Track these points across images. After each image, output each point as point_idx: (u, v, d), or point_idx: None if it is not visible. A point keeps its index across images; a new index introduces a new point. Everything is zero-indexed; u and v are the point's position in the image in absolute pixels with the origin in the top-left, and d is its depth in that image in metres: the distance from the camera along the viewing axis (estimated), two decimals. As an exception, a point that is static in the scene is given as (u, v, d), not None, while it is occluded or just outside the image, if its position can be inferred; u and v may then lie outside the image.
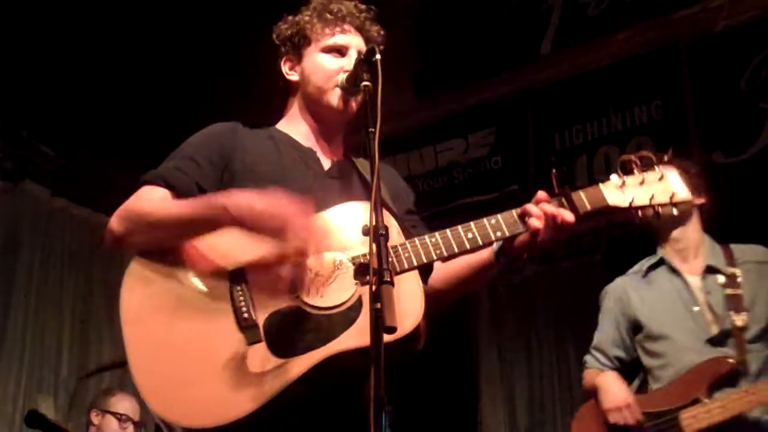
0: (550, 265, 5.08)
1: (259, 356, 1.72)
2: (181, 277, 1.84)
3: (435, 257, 1.84)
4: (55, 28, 4.77)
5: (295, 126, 2.17)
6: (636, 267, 3.23)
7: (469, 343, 5.55)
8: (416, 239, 1.85)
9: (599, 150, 4.92)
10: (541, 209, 1.84)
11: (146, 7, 4.80)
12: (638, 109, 4.84)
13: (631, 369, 3.15)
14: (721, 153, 4.44)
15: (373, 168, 1.65)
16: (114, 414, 4.12)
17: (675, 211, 1.97)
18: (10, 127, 5.16)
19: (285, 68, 2.19)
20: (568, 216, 1.84)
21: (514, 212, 1.88)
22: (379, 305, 1.47)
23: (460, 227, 1.86)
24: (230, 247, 1.83)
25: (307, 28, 2.14)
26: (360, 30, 2.15)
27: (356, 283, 1.79)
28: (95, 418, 4.16)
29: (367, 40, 2.12)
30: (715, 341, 2.92)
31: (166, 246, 1.86)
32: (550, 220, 1.83)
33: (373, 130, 1.74)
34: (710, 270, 3.03)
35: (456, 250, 1.85)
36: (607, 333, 3.20)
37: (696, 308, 3.00)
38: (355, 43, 2.12)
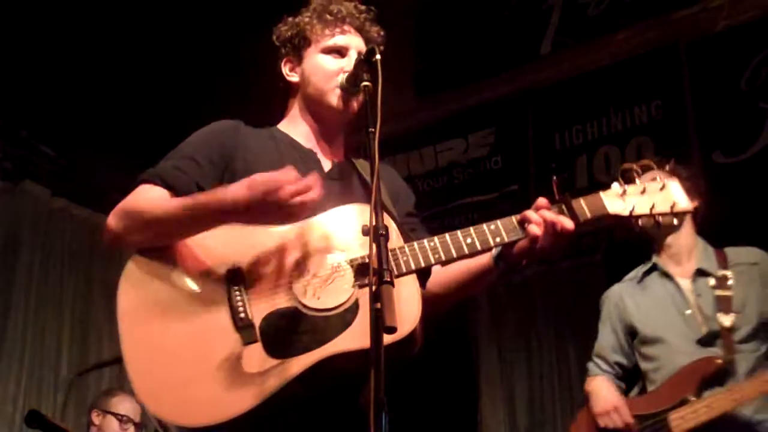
0: (550, 265, 5.07)
1: (255, 356, 1.73)
2: (177, 277, 1.84)
3: (433, 261, 1.85)
4: (55, 28, 4.76)
5: (296, 127, 2.17)
6: (632, 273, 3.28)
7: (469, 343, 5.55)
8: (415, 243, 1.85)
9: (599, 150, 4.91)
10: (541, 216, 1.84)
11: (146, 7, 4.80)
12: (638, 109, 4.83)
13: (633, 375, 3.18)
14: (721, 153, 4.44)
15: (373, 168, 1.65)
16: (115, 415, 4.12)
17: (675, 221, 1.98)
18: (10, 127, 5.16)
19: (285, 69, 2.19)
20: (568, 223, 1.84)
21: (514, 218, 1.88)
22: (379, 305, 1.47)
23: (459, 232, 1.86)
24: (225, 246, 1.83)
25: (307, 29, 2.15)
26: (360, 31, 2.16)
27: (354, 286, 1.79)
28: (96, 419, 4.16)
29: (367, 40, 2.12)
30: (704, 342, 2.97)
31: (162, 244, 1.86)
32: (550, 227, 1.83)
33: (373, 130, 1.75)
34: (701, 273, 3.07)
35: (454, 255, 1.85)
36: (606, 339, 3.24)
37: (688, 311, 3.05)
38: (355, 43, 2.12)
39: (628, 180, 1.93)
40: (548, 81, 5.19)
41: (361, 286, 1.78)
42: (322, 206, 1.89)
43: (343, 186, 2.08)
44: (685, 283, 3.09)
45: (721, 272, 3.02)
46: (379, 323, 1.45)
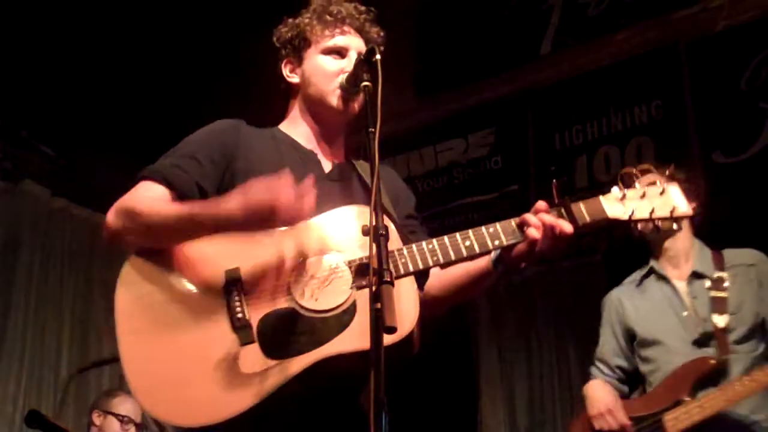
0: (550, 265, 5.08)
1: (252, 357, 1.73)
2: (175, 278, 1.84)
3: (431, 264, 1.84)
4: (55, 28, 4.76)
5: (297, 128, 2.17)
6: (631, 277, 3.31)
7: (469, 343, 5.55)
8: (413, 245, 1.85)
9: (599, 150, 4.91)
10: (540, 219, 1.84)
11: (146, 7, 4.80)
12: (638, 109, 4.83)
13: (635, 378, 3.19)
14: (721, 153, 4.44)
15: (373, 168, 1.65)
16: (116, 415, 4.11)
17: (675, 226, 1.98)
18: (10, 127, 5.16)
19: (286, 71, 2.19)
20: (567, 227, 1.84)
21: (513, 221, 1.88)
22: (379, 305, 1.47)
23: (458, 234, 1.86)
24: (223, 247, 1.82)
25: (307, 31, 2.15)
26: (360, 31, 2.16)
27: (351, 287, 1.79)
28: (97, 419, 4.15)
29: (367, 41, 2.12)
30: (699, 343, 3.00)
31: (158, 248, 1.86)
32: (549, 230, 1.83)
33: (373, 130, 1.74)
34: (696, 275, 3.09)
35: (453, 257, 1.85)
36: (608, 343, 3.27)
37: (685, 313, 3.07)
38: (355, 44, 2.12)
39: (628, 184, 1.93)
40: (548, 81, 5.18)
41: (359, 288, 1.78)
42: (322, 207, 1.89)
43: (343, 187, 2.08)
44: (682, 286, 3.12)
45: (717, 274, 3.05)
46: (379, 323, 1.45)
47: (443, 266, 1.90)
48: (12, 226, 5.16)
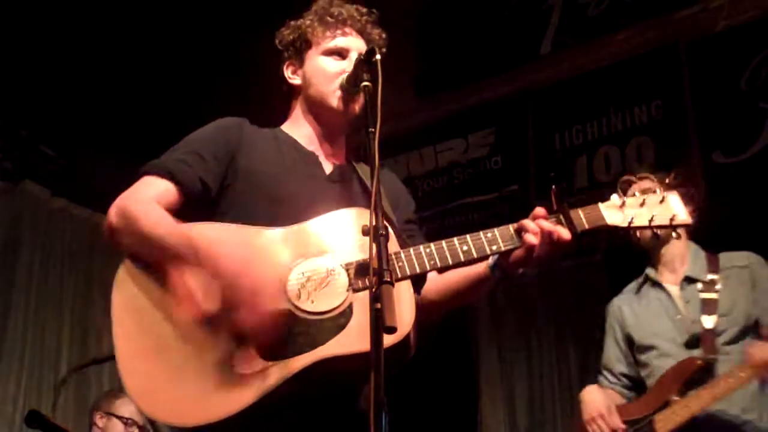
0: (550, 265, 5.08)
1: (248, 358, 1.73)
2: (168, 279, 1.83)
3: (429, 268, 1.84)
4: (55, 28, 4.76)
5: (298, 129, 2.17)
6: (630, 285, 3.34)
7: (469, 343, 5.55)
8: (411, 249, 1.85)
9: (599, 150, 4.91)
10: (538, 225, 1.84)
11: (146, 7, 4.80)
12: (638, 109, 4.83)
13: (641, 386, 3.21)
14: (721, 153, 4.44)
15: (373, 168, 1.65)
16: (119, 417, 4.07)
17: (674, 234, 1.98)
18: (10, 127, 5.16)
19: (287, 72, 2.20)
20: (565, 234, 1.84)
21: (511, 227, 1.88)
22: (379, 305, 1.47)
23: (456, 239, 1.86)
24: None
25: (308, 32, 2.15)
26: (361, 33, 2.16)
27: (348, 290, 1.79)
28: (99, 421, 4.10)
29: (369, 42, 2.12)
30: (690, 345, 3.03)
31: (146, 261, 1.85)
32: (547, 236, 1.83)
33: (373, 130, 1.75)
34: (688, 280, 3.12)
35: (450, 261, 1.85)
36: (611, 351, 3.31)
37: (678, 317, 3.10)
38: (356, 45, 2.13)
39: (627, 192, 1.93)
40: (548, 81, 5.18)
41: (355, 290, 1.78)
42: (321, 209, 1.89)
43: (343, 189, 2.08)
44: (675, 290, 3.16)
45: (709, 277, 3.07)
46: (379, 323, 1.45)
47: (441, 270, 1.90)
48: (12, 226, 5.16)
